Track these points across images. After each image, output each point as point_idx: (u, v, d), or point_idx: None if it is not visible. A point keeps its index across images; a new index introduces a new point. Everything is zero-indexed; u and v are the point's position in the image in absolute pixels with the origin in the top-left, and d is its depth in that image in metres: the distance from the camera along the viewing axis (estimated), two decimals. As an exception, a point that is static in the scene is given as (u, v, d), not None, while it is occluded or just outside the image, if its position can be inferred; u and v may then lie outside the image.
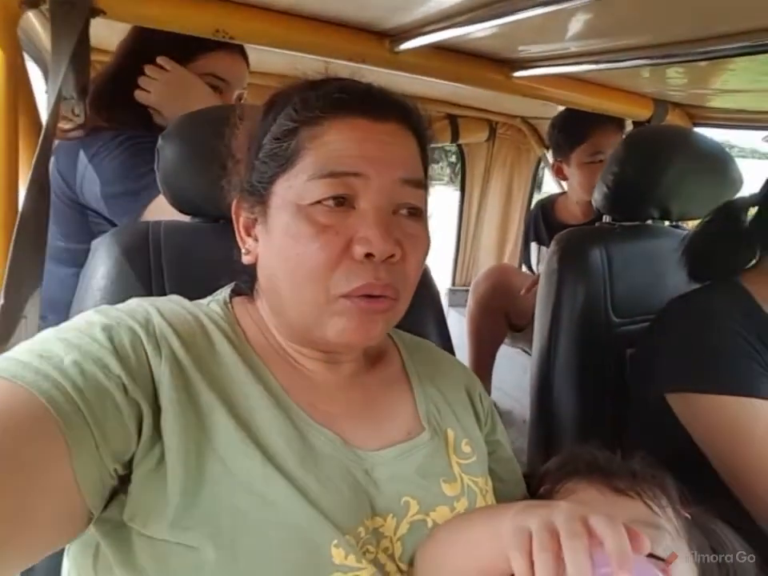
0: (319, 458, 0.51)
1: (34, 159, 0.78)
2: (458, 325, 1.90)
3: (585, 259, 1.05)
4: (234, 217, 0.60)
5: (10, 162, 0.82)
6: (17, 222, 0.74)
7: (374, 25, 1.04)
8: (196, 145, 0.79)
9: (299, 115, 0.53)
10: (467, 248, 2.46)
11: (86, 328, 0.48)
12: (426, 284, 0.93)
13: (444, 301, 2.45)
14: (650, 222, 1.15)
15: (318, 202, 0.51)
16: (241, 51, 1.11)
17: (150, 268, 0.77)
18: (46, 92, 1.35)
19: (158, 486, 0.45)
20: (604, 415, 1.04)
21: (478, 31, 0.97)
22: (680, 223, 1.23)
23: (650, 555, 0.51)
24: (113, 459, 0.43)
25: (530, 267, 1.93)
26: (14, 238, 0.73)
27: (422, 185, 0.56)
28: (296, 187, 0.52)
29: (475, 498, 0.58)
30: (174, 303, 0.56)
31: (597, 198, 1.13)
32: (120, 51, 1.08)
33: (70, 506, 0.41)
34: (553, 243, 1.10)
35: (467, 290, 2.11)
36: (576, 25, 0.93)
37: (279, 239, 0.53)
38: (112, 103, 1.02)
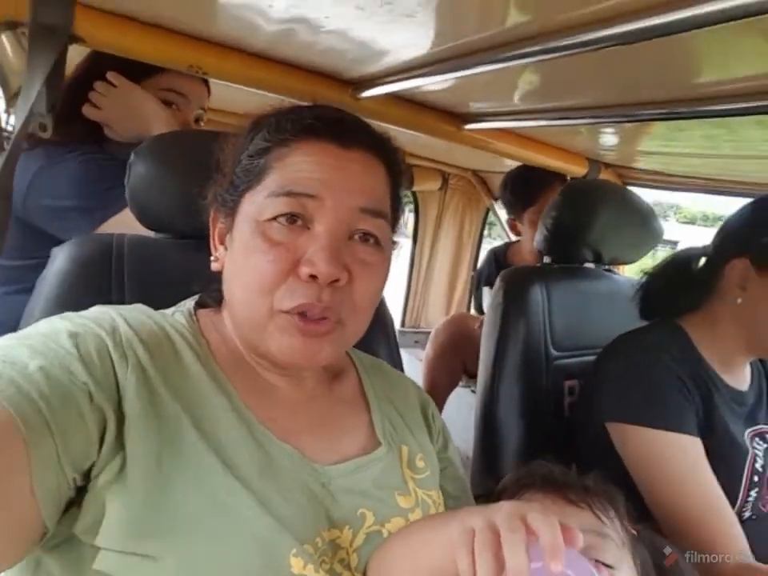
0: (279, 470, 0.52)
1: (0, 168, 0.78)
2: (408, 365, 1.94)
3: (527, 295, 1.14)
4: (210, 224, 0.63)
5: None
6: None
7: (338, 73, 1.13)
8: (168, 164, 0.82)
9: (271, 136, 0.56)
10: (418, 290, 2.54)
11: (52, 334, 0.48)
12: (380, 310, 0.98)
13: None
14: (585, 264, 1.26)
15: (274, 218, 0.53)
16: None
17: (110, 279, 0.77)
18: (5, 111, 1.36)
19: (116, 496, 0.44)
20: (546, 444, 1.10)
21: (433, 84, 1.07)
22: (612, 268, 1.35)
23: (597, 561, 0.55)
24: (72, 468, 0.42)
25: (480, 310, 2.02)
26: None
27: (383, 215, 0.56)
28: (257, 203, 0.54)
29: (428, 510, 0.60)
30: (139, 312, 0.57)
31: (537, 239, 1.24)
32: (75, 69, 1.09)
33: (26, 516, 0.40)
34: (498, 279, 1.19)
35: (416, 332, 2.17)
36: (522, 84, 1.04)
37: (237, 251, 0.56)
38: (63, 117, 1.03)
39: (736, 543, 0.80)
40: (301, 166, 0.54)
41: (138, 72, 1.06)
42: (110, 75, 1.04)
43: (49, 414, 0.41)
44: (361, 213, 0.55)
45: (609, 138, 1.39)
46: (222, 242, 0.61)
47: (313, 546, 0.49)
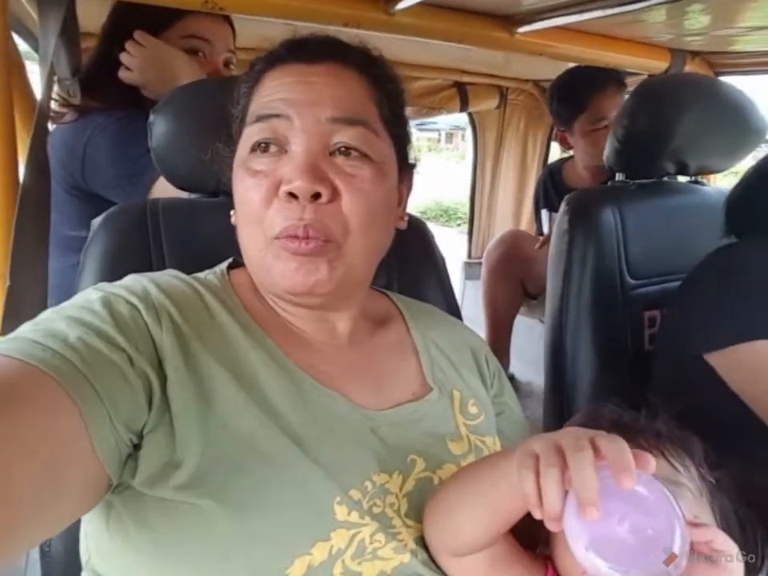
0: (322, 416, 0.51)
1: (30, 138, 0.78)
2: (475, 298, 1.88)
3: (596, 219, 1.01)
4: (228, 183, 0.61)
5: (8, 143, 0.83)
6: (18, 202, 0.75)
7: (367, -15, 1.01)
8: (188, 119, 0.78)
9: (248, 77, 0.58)
10: (482, 219, 2.41)
11: (86, 304, 0.49)
12: (428, 248, 0.91)
13: (460, 274, 2.42)
14: (665, 178, 1.10)
15: (253, 150, 0.54)
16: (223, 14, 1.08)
17: (149, 245, 0.76)
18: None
19: (167, 451, 0.46)
20: (622, 380, 1.01)
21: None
22: (699, 178, 1.17)
23: None
24: (126, 429, 0.44)
25: (541, 233, 1.89)
26: (15, 217, 0.74)
27: (359, 122, 0.53)
28: (240, 141, 0.56)
29: (483, 455, 0.58)
30: (170, 276, 0.57)
31: (607, 154, 1.09)
32: (101, 32, 1.07)
33: (92, 474, 0.42)
34: (563, 204, 1.07)
35: (479, 263, 2.07)
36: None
37: (234, 194, 0.57)
38: (99, 84, 1.01)
39: None
40: (266, 91, 0.55)
41: (157, 23, 1.02)
42: (136, 34, 1.00)
43: (95, 381, 0.42)
44: (333, 123, 0.53)
45: (697, 18, 1.16)
46: None
47: (361, 490, 0.49)
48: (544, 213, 1.84)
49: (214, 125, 0.74)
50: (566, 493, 0.37)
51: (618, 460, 0.35)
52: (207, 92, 0.82)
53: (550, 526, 0.37)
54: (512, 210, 2.34)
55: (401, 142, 0.60)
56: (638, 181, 1.10)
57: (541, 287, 1.58)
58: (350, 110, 0.53)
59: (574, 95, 1.59)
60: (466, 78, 2.01)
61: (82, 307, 0.48)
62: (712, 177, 1.38)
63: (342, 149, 0.53)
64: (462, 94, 2.07)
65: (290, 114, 0.52)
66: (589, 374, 1.01)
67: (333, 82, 0.54)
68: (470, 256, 2.45)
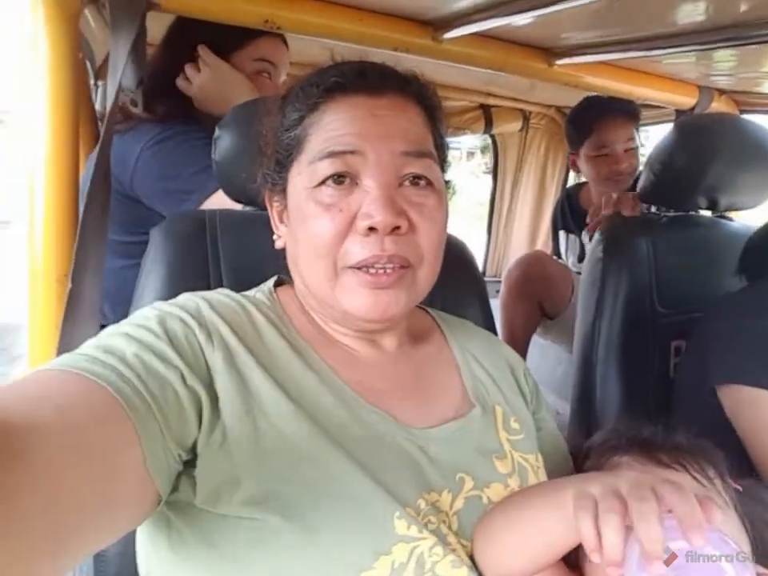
0: (374, 436, 0.52)
1: (98, 146, 0.81)
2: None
3: (630, 249, 1.05)
4: (267, 205, 0.63)
5: (73, 152, 0.86)
6: (84, 205, 0.77)
7: (419, 14, 1.04)
8: (251, 134, 0.80)
9: (301, 104, 0.57)
10: (499, 238, 2.44)
11: (143, 322, 0.51)
12: (470, 269, 0.94)
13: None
14: (695, 212, 1.13)
15: (322, 183, 0.53)
16: (282, 36, 1.12)
17: (207, 256, 0.79)
18: (94, 84, 1.39)
19: (223, 468, 0.46)
20: (647, 406, 1.04)
21: (520, 18, 0.96)
22: (726, 214, 1.21)
23: None
24: (177, 445, 0.45)
25: (558, 254, 1.93)
26: (81, 220, 0.77)
27: (427, 154, 0.56)
28: (303, 173, 0.55)
29: (527, 475, 0.58)
30: (221, 295, 0.59)
31: (642, 186, 1.12)
32: (164, 44, 1.09)
33: (142, 488, 0.43)
34: (597, 233, 1.10)
35: (498, 281, 2.10)
36: (621, 10, 0.91)
37: (294, 223, 0.57)
38: (156, 94, 1.03)
39: None
40: (335, 124, 0.54)
41: (230, 43, 1.05)
42: (201, 51, 1.03)
43: (149, 397, 0.44)
44: (404, 156, 0.54)
45: (726, 62, 1.21)
46: (282, 221, 0.62)
47: (415, 509, 0.49)
48: (561, 234, 1.88)
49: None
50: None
51: (687, 516, 0.35)
52: (271, 109, 0.85)
53: (611, 571, 0.37)
54: (529, 230, 2.37)
55: (444, 165, 0.62)
56: (669, 214, 1.13)
57: (559, 309, 1.61)
58: (418, 143, 0.55)
59: (582, 121, 1.66)
60: (491, 101, 2.05)
61: (138, 325, 0.50)
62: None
63: (412, 179, 0.55)
64: (486, 116, 2.11)
65: (364, 149, 0.53)
66: (617, 398, 1.04)
67: (398, 114, 0.55)
68: (484, 273, 2.48)
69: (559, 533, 0.43)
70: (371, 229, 0.51)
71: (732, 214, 1.24)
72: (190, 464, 0.48)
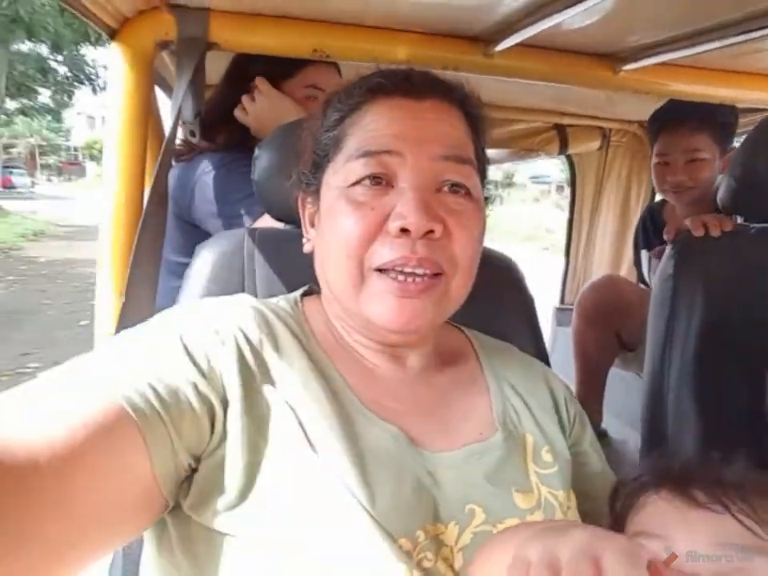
0: (380, 456, 0.49)
1: (156, 169, 0.88)
2: (567, 346, 1.77)
3: (706, 265, 0.92)
4: (300, 208, 0.63)
5: (138, 174, 0.94)
6: (140, 226, 0.83)
7: (464, 28, 1.03)
8: (289, 153, 0.83)
9: (342, 104, 0.56)
10: (578, 264, 2.30)
11: (160, 330, 0.51)
12: (517, 289, 0.88)
13: (551, 320, 2.31)
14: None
15: (357, 182, 0.52)
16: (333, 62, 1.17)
17: (243, 270, 0.81)
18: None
19: (214, 477, 0.46)
20: (731, 444, 0.89)
21: (576, 21, 0.91)
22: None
23: None
24: (187, 454, 0.45)
25: (641, 277, 1.76)
26: (136, 239, 0.83)
27: (467, 161, 0.54)
28: (339, 171, 0.54)
29: (554, 512, 0.52)
30: (241, 303, 0.57)
31: (722, 195, 0.99)
32: (223, 78, 1.19)
33: (150, 496, 0.43)
34: (669, 247, 0.98)
35: (569, 309, 1.96)
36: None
37: (324, 223, 0.56)
38: (216, 126, 1.11)
39: None
40: (375, 125, 0.53)
41: (282, 73, 1.12)
42: (258, 81, 1.11)
43: (159, 406, 0.43)
44: (444, 161, 0.53)
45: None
46: (313, 224, 0.61)
47: (412, 540, 0.45)
48: (644, 254, 1.72)
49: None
50: None
51: None
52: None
53: None
54: (611, 255, 2.21)
55: (484, 177, 0.59)
56: (759, 225, 0.99)
57: (639, 338, 1.46)
58: (459, 149, 0.54)
59: (651, 126, 1.58)
60: (566, 120, 1.97)
61: (155, 333, 0.50)
62: None
63: (451, 186, 0.53)
64: (561, 136, 2.03)
65: (402, 150, 0.52)
66: (692, 437, 0.90)
67: (440, 119, 0.54)
68: (562, 301, 2.34)
69: None
70: (403, 230, 0.49)
71: None
72: (195, 470, 0.47)
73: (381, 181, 0.52)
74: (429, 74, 0.57)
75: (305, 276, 0.69)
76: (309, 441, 0.47)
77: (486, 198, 0.59)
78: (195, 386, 0.46)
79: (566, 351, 1.73)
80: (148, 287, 0.87)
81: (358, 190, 0.52)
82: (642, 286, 1.71)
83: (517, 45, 1.01)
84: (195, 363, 0.48)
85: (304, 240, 0.62)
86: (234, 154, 1.10)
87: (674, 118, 1.48)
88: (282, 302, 0.61)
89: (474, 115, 0.58)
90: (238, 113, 1.13)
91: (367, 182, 0.52)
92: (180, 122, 1.02)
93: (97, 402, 0.42)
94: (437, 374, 0.60)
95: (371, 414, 0.52)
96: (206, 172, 1.09)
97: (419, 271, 0.50)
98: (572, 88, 1.26)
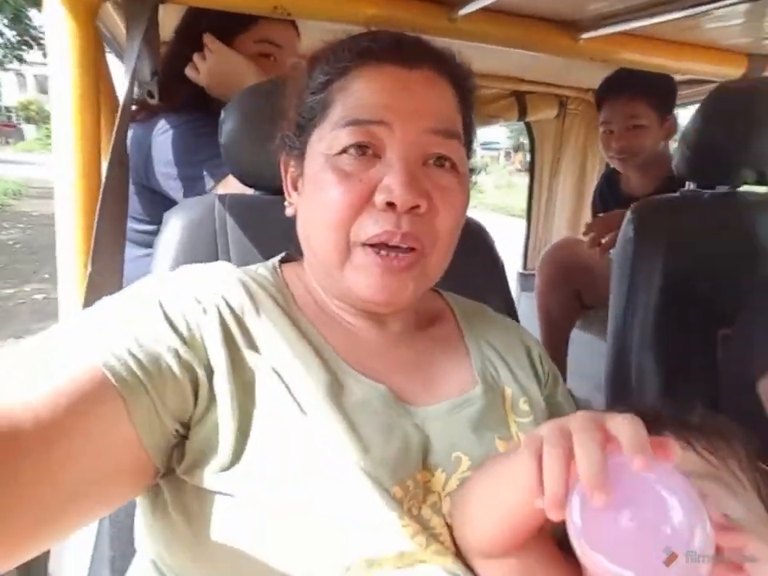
0: (367, 412, 0.50)
1: (114, 135, 0.83)
2: (530, 310, 1.83)
3: (665, 230, 0.97)
4: (282, 170, 0.62)
5: (94, 140, 0.89)
6: (101, 195, 0.79)
7: (431, -9, 1.02)
8: (257, 117, 0.80)
9: (330, 67, 0.54)
10: (538, 230, 2.36)
11: (139, 297, 0.50)
12: (489, 253, 0.90)
13: (515, 286, 2.37)
14: (742, 188, 1.03)
15: (344, 151, 0.51)
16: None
17: (215, 238, 0.80)
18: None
19: (207, 441, 0.46)
20: (690, 401, 0.95)
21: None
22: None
23: None
24: (172, 419, 0.45)
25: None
26: (98, 209, 0.79)
27: (456, 135, 0.54)
28: (325, 138, 0.53)
29: None
30: (220, 269, 0.58)
31: (677, 162, 1.04)
32: (174, 35, 1.12)
33: (137, 462, 0.44)
34: (628, 212, 1.02)
35: (532, 275, 2.02)
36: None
37: (309, 189, 0.55)
38: (169, 85, 1.04)
39: None
40: (363, 93, 0.52)
41: (232, 27, 1.06)
42: (205, 38, 1.05)
43: (141, 373, 0.43)
44: (432, 135, 0.52)
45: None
46: (296, 188, 0.60)
47: (403, 489, 0.47)
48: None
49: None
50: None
51: (631, 440, 0.31)
52: (276, 92, 0.84)
53: (551, 514, 0.33)
54: (569, 220, 2.27)
55: (469, 150, 0.59)
56: (711, 191, 1.04)
57: (599, 298, 1.53)
58: (448, 123, 0.54)
59: (596, 96, 1.64)
60: (524, 87, 1.98)
61: (134, 300, 0.50)
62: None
63: (437, 159, 0.53)
64: (520, 103, 2.04)
65: (391, 121, 0.51)
66: (654, 394, 0.95)
67: (431, 91, 0.53)
68: (525, 267, 2.39)
69: (518, 495, 0.39)
70: (389, 204, 0.49)
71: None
72: (185, 437, 0.48)
73: (367, 150, 0.51)
74: (420, 41, 0.56)
75: (278, 243, 0.68)
76: (297, 402, 0.48)
77: (471, 170, 0.60)
78: (176, 353, 0.46)
79: (530, 316, 1.78)
80: (114, 258, 0.84)
81: (344, 159, 0.52)
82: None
83: (481, 9, 1.01)
84: (176, 330, 0.48)
85: (286, 203, 0.62)
86: (193, 114, 1.05)
87: (616, 87, 1.54)
88: (261, 269, 0.61)
89: (464, 87, 0.57)
90: (189, 72, 1.07)
91: (353, 150, 0.51)
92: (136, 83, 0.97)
93: (78, 371, 0.42)
94: (417, 335, 0.61)
95: (356, 373, 0.53)
96: (162, 132, 1.04)
97: (402, 245, 0.51)
98: (532, 55, 1.27)
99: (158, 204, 1.07)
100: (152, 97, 1.01)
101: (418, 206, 0.50)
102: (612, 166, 1.75)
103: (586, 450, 0.32)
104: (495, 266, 0.90)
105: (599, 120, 1.62)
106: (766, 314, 0.82)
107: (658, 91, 1.49)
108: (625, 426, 0.32)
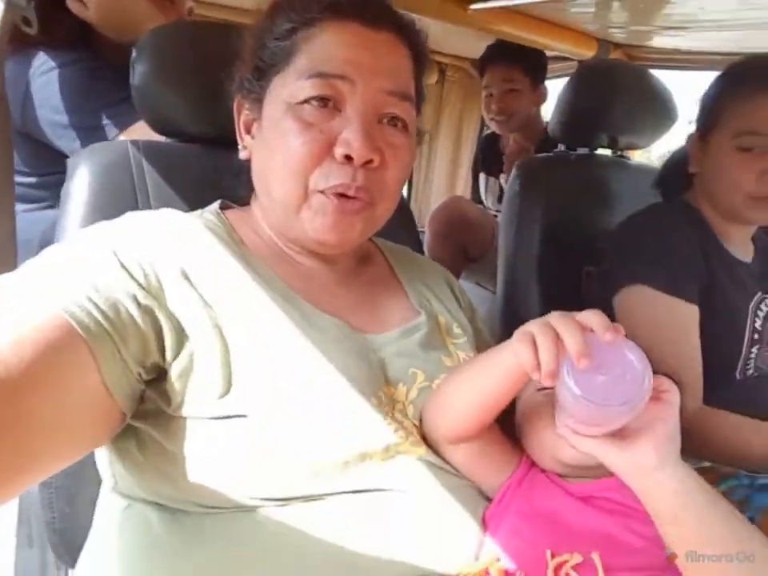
0: (332, 342, 0.54)
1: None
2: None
3: (544, 184, 1.13)
4: (235, 113, 0.62)
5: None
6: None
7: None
8: (176, 59, 0.77)
9: (298, 16, 0.56)
10: (419, 190, 2.50)
11: (89, 244, 0.50)
12: (402, 208, 0.97)
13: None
14: (599, 151, 1.24)
15: (306, 101, 0.54)
16: None
17: (133, 186, 0.75)
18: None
19: (197, 379, 0.48)
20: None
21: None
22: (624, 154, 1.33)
23: None
24: (135, 363, 0.46)
25: (478, 198, 2.04)
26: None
27: (410, 98, 0.58)
28: (288, 86, 0.55)
29: None
30: (168, 214, 0.58)
31: (551, 126, 1.21)
32: None
33: (104, 408, 0.45)
34: (514, 169, 1.17)
35: (421, 232, 2.16)
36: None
37: (269, 135, 0.57)
38: (50, 16, 0.91)
39: (697, 397, 0.88)
40: (330, 47, 0.55)
41: None
42: None
43: (102, 319, 0.44)
44: (390, 95, 0.56)
45: (619, 12, 1.31)
46: (249, 131, 0.61)
47: (377, 398, 0.53)
48: (482, 177, 2.00)
49: (207, 68, 0.74)
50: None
51: (599, 323, 0.42)
52: (197, 34, 0.81)
53: (546, 381, 0.42)
54: (447, 182, 2.45)
55: (418, 113, 0.63)
56: (575, 152, 1.23)
57: (481, 251, 1.71)
58: (404, 85, 0.57)
59: (479, 64, 1.82)
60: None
61: (85, 247, 0.50)
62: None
63: (390, 119, 0.56)
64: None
65: (354, 78, 0.54)
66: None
67: (392, 54, 0.57)
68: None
69: (500, 378, 0.49)
70: (347, 157, 0.53)
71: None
72: (158, 380, 0.49)
73: (328, 102, 0.54)
74: (384, 2, 0.59)
75: (201, 192, 0.69)
76: (269, 333, 0.51)
77: (418, 133, 0.64)
78: (135, 299, 0.47)
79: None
80: (3, 207, 0.76)
81: (306, 108, 0.54)
82: (479, 205, 1.97)
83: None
84: (133, 277, 0.48)
85: (240, 147, 0.62)
86: (79, 53, 0.95)
87: (497, 55, 1.72)
88: (206, 213, 0.61)
89: (420, 54, 0.61)
90: (71, 3, 0.93)
91: (315, 102, 0.54)
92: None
93: (41, 320, 0.42)
94: (360, 273, 0.67)
95: (313, 308, 0.57)
96: (43, 73, 0.92)
97: (357, 196, 0.55)
98: (418, 20, 1.34)
99: (39, 154, 0.96)
100: (29, 25, 0.89)
101: (371, 161, 0.54)
102: (489, 131, 1.93)
103: (570, 332, 0.41)
104: (407, 216, 0.98)
105: (482, 84, 1.79)
106: (618, 253, 0.98)
107: (532, 61, 1.69)
108: (592, 315, 0.43)
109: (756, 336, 0.96)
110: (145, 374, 0.48)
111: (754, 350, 0.97)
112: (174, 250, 0.52)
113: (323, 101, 0.54)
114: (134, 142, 0.78)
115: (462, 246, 1.69)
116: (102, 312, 0.44)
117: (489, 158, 1.96)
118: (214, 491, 0.47)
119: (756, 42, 1.35)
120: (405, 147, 0.58)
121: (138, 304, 0.47)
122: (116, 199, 0.73)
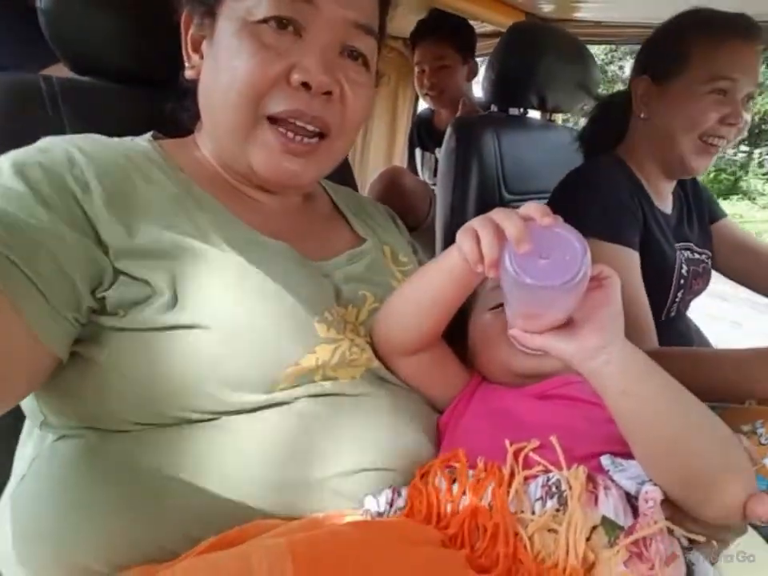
0: (280, 265, 0.52)
1: None
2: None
3: (479, 141, 1.16)
4: (182, 28, 0.58)
5: None
6: None
7: None
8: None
9: None
10: (356, 167, 2.49)
11: (4, 177, 0.45)
12: (345, 166, 0.96)
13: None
14: (529, 111, 1.28)
15: (265, 20, 0.50)
16: None
17: (47, 122, 0.69)
18: None
19: (135, 294, 0.46)
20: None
21: None
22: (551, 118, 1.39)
23: None
24: (68, 309, 0.43)
25: (414, 170, 2.06)
26: None
27: (373, 33, 0.56)
28: (245, 1, 0.51)
29: None
30: (93, 140, 0.53)
31: (485, 87, 1.24)
32: None
33: (36, 356, 0.43)
34: (449, 127, 1.19)
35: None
36: None
37: (221, 53, 0.52)
38: None
39: (653, 339, 0.92)
40: None
41: None
42: None
43: (23, 265, 0.41)
44: (353, 27, 0.53)
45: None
46: (196, 50, 0.57)
47: (326, 317, 0.52)
48: (417, 152, 2.04)
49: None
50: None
51: (539, 211, 0.42)
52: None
53: (489, 272, 0.43)
54: (384, 157, 2.46)
55: (379, 53, 0.62)
56: (507, 114, 1.26)
57: (418, 221, 1.72)
58: (370, 19, 0.55)
59: (411, 42, 1.83)
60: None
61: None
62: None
63: (352, 53, 0.54)
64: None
65: (320, 3, 0.51)
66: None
67: None
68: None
69: (447, 282, 0.49)
70: (304, 84, 0.50)
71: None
72: (101, 311, 0.46)
73: (288, 26, 0.51)
74: None
75: (127, 134, 0.64)
76: (212, 257, 0.48)
77: (378, 75, 0.63)
78: (58, 236, 0.44)
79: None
80: None
81: (263, 29, 0.50)
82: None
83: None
84: (53, 210, 0.44)
85: (186, 65, 0.58)
86: None
87: (427, 32, 1.74)
88: (138, 140, 0.57)
89: None
90: None
91: (274, 23, 0.50)
92: None
93: None
94: (306, 205, 0.66)
95: (258, 233, 0.54)
96: None
97: (309, 128, 0.52)
98: None
99: None
100: None
101: (330, 92, 0.52)
102: (423, 109, 1.94)
103: (510, 220, 0.41)
104: (349, 173, 0.97)
105: (414, 61, 1.80)
106: (561, 209, 1.01)
107: (461, 37, 1.72)
108: (530, 205, 0.43)
109: (681, 281, 1.03)
110: (82, 317, 0.45)
111: (680, 294, 1.04)
112: (100, 178, 0.48)
113: (283, 23, 0.50)
114: (47, 78, 0.71)
115: (401, 213, 1.69)
116: (22, 258, 0.40)
117: (424, 133, 1.99)
118: (156, 404, 0.45)
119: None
120: (366, 85, 0.56)
121: (63, 241, 0.43)
122: (28, 133, 0.65)
